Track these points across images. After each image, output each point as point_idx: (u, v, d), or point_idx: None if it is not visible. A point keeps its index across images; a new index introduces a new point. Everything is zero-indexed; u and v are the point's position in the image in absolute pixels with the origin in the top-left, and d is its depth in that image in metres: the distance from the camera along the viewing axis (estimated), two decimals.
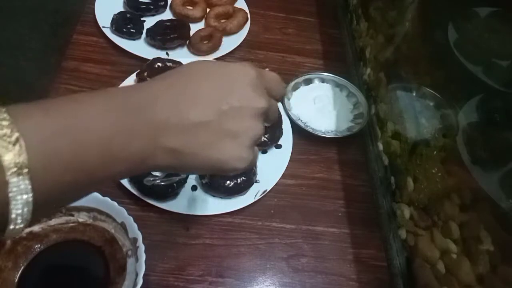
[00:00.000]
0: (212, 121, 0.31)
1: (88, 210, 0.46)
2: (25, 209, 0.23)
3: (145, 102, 0.29)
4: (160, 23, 0.76)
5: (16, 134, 0.22)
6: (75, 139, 0.25)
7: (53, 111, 0.25)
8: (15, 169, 0.22)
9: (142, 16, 0.77)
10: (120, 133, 0.27)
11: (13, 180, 0.22)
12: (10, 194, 0.22)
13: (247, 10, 0.84)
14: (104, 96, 0.28)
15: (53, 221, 0.45)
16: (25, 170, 0.22)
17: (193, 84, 0.31)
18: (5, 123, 0.22)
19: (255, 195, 0.59)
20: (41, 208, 0.24)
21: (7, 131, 0.22)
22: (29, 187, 0.23)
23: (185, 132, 0.30)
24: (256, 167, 0.61)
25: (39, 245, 0.44)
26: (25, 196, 0.23)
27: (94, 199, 0.46)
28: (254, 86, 0.32)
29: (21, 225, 0.24)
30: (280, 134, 0.66)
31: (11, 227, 0.23)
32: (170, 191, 0.55)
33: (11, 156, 0.22)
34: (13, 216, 0.23)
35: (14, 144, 0.22)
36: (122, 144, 0.27)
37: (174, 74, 0.32)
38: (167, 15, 0.80)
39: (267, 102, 0.33)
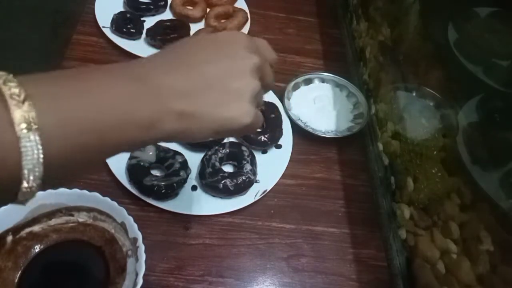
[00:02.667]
0: (214, 82, 0.32)
1: (88, 210, 0.46)
2: (37, 168, 0.24)
3: (148, 71, 0.31)
4: (160, 23, 0.76)
5: (24, 94, 0.23)
6: (83, 102, 0.26)
7: (61, 77, 0.27)
8: (25, 125, 0.23)
9: (142, 16, 0.77)
10: (127, 98, 0.28)
11: (24, 135, 0.23)
12: (22, 149, 0.23)
13: (247, 10, 0.84)
14: (107, 68, 0.30)
15: (53, 221, 0.45)
16: (35, 127, 0.23)
17: (192, 52, 0.33)
18: (13, 84, 0.24)
19: (255, 195, 0.59)
20: (52, 170, 0.25)
21: (15, 90, 0.23)
22: (39, 143, 0.24)
23: (190, 95, 0.31)
24: (256, 166, 0.61)
25: (39, 245, 0.44)
26: (36, 152, 0.24)
27: (94, 199, 0.46)
28: (246, 47, 0.35)
29: (34, 185, 0.25)
30: (280, 134, 0.66)
31: (24, 185, 0.24)
32: (170, 191, 0.55)
33: (21, 113, 0.23)
34: (25, 172, 0.24)
35: (23, 102, 0.23)
36: (130, 108, 0.28)
37: (171, 48, 0.34)
38: (167, 15, 0.80)
39: (260, 59, 0.35)
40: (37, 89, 0.24)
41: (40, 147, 0.24)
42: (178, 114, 0.30)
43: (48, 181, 0.25)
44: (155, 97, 0.30)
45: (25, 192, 0.25)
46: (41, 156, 0.24)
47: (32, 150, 0.24)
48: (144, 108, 0.29)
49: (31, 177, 0.24)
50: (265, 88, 0.37)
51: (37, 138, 0.24)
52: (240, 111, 0.33)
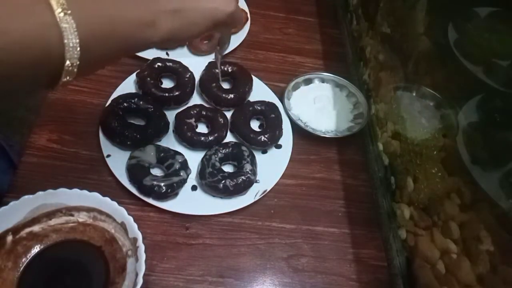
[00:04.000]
0: None
1: (88, 210, 0.46)
2: (76, 46, 0.31)
3: None
4: None
5: None
6: (97, 1, 0.34)
7: None
8: (60, 9, 0.30)
9: None
10: (129, 1, 0.36)
11: (62, 18, 0.30)
12: (63, 29, 0.30)
13: (247, 10, 0.84)
14: None
15: (53, 221, 0.45)
16: (69, 11, 0.30)
17: None
18: None
19: (255, 195, 0.59)
20: (85, 52, 0.31)
21: None
22: (74, 24, 0.30)
23: None
24: (256, 166, 0.61)
25: (39, 245, 0.44)
26: (73, 32, 0.30)
27: (94, 199, 0.46)
28: None
29: (75, 63, 0.31)
30: (280, 134, 0.66)
31: (68, 63, 0.31)
32: (170, 191, 0.55)
33: (56, 1, 0.30)
34: (68, 49, 0.30)
35: None
36: (131, 7, 0.35)
37: None
38: None
39: None
40: None
41: (75, 27, 0.30)
42: (172, 12, 0.38)
43: (83, 65, 0.32)
44: (150, 1, 0.37)
45: (68, 71, 0.31)
46: (77, 35, 0.30)
47: (70, 30, 0.30)
48: (143, 8, 0.36)
49: (73, 55, 0.31)
50: None
51: (72, 20, 0.30)
52: (222, 1, 0.41)
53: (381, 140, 0.67)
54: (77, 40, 0.30)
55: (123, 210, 0.45)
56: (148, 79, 0.65)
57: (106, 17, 0.34)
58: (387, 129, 0.66)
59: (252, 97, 0.70)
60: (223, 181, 0.57)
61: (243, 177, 0.58)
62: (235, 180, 0.57)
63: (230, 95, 0.67)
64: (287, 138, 0.67)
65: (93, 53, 0.33)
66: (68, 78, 0.32)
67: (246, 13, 0.82)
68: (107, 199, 0.46)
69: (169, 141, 0.63)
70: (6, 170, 0.61)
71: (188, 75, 0.68)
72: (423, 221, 0.54)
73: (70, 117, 0.62)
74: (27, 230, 0.44)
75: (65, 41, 0.30)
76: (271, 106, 0.68)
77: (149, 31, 0.37)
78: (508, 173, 0.44)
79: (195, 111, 0.65)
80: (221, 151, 0.61)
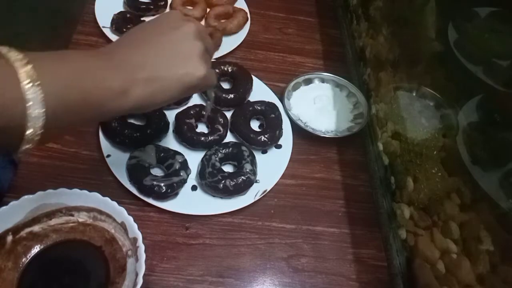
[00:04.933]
0: (166, 50, 0.41)
1: (88, 210, 0.46)
2: (40, 117, 0.30)
3: (114, 50, 0.40)
4: None
5: (27, 58, 0.30)
6: (70, 68, 0.34)
7: (50, 53, 0.34)
8: (29, 80, 0.29)
9: (142, 16, 0.77)
10: (101, 69, 0.36)
11: (29, 88, 0.29)
12: (28, 100, 0.29)
13: (247, 10, 0.84)
14: (83, 51, 0.40)
15: (53, 221, 0.45)
16: (37, 82, 0.30)
17: (146, 32, 0.42)
18: (17, 52, 0.30)
19: (255, 195, 0.59)
20: (51, 121, 0.31)
21: (19, 56, 0.30)
22: (41, 96, 0.30)
23: (149, 64, 0.39)
24: (256, 166, 0.61)
25: (39, 245, 0.44)
26: (39, 103, 0.30)
27: (94, 199, 0.46)
28: (181, 19, 0.44)
29: (37, 132, 0.30)
30: (280, 134, 0.66)
31: (29, 132, 0.30)
32: (170, 191, 0.55)
33: (25, 72, 0.30)
34: (30, 120, 0.30)
35: (26, 65, 0.30)
36: (103, 76, 0.36)
37: (131, 31, 0.43)
38: None
39: (195, 25, 0.43)
40: (35, 56, 0.31)
41: (42, 98, 0.30)
42: (144, 80, 0.38)
43: (47, 133, 0.31)
44: (122, 69, 0.37)
45: (28, 140, 0.30)
46: (43, 106, 0.30)
47: (35, 101, 0.30)
48: (115, 77, 0.36)
49: (36, 125, 0.30)
50: (208, 48, 0.46)
51: (39, 91, 0.30)
52: (192, 67, 0.41)
53: (381, 140, 0.67)
54: (42, 110, 0.30)
55: (123, 210, 0.45)
56: None
57: (79, 87, 0.34)
58: (387, 129, 0.66)
59: (252, 97, 0.70)
60: (223, 181, 0.57)
61: (243, 177, 0.58)
62: (235, 180, 0.57)
63: (230, 95, 0.67)
64: (287, 138, 0.67)
65: (61, 121, 0.33)
66: (28, 146, 0.31)
67: (246, 13, 0.82)
68: (107, 199, 0.46)
69: (169, 141, 0.63)
70: (7, 166, 0.61)
71: None
72: (423, 221, 0.54)
73: None
74: (27, 230, 0.44)
75: (28, 111, 0.29)
76: (271, 106, 0.68)
77: (121, 99, 0.37)
78: (508, 173, 0.44)
79: (195, 111, 0.65)
80: (221, 151, 0.61)
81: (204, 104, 0.67)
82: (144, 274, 0.41)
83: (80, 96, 0.34)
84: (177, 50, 0.41)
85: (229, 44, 0.77)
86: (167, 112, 0.64)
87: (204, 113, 0.64)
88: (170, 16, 0.44)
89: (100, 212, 0.46)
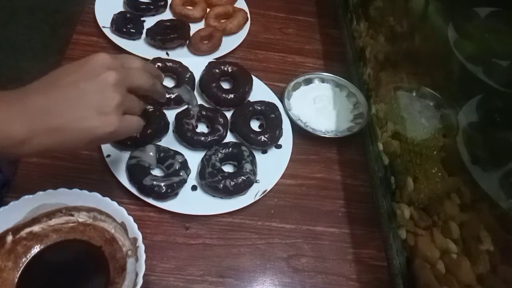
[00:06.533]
0: (77, 100, 0.38)
1: (88, 210, 0.46)
2: None
3: (23, 95, 0.37)
4: (160, 23, 0.76)
5: None
6: None
7: None
8: None
9: (142, 16, 0.77)
10: (4, 113, 0.35)
11: None
12: None
13: (247, 10, 0.84)
14: None
15: (53, 221, 0.45)
16: None
17: (61, 76, 0.40)
18: None
19: (255, 195, 0.59)
20: None
21: None
22: None
23: (57, 113, 0.37)
24: (256, 166, 0.61)
25: (39, 245, 0.44)
26: None
27: (94, 199, 0.46)
28: (102, 65, 0.40)
29: None
30: (280, 134, 0.66)
31: None
32: (170, 191, 0.55)
33: None
34: None
35: None
36: (7, 122, 0.35)
37: (51, 73, 0.40)
38: (167, 15, 0.80)
39: (118, 72, 0.40)
40: None
41: None
42: (47, 131, 0.37)
43: None
44: (26, 116, 0.36)
45: None
46: None
47: None
48: (18, 126, 0.35)
49: None
50: (137, 93, 0.43)
51: None
52: (102, 122, 0.39)
53: (381, 140, 0.67)
54: None
55: (123, 210, 0.45)
56: None
57: None
58: (387, 129, 0.66)
59: (252, 97, 0.70)
60: (223, 181, 0.57)
61: (243, 177, 0.58)
62: (235, 180, 0.57)
63: (230, 95, 0.67)
64: (287, 138, 0.67)
65: None
66: None
67: (246, 13, 0.82)
68: (107, 199, 0.46)
69: (169, 141, 0.63)
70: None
71: (188, 75, 0.68)
72: (423, 221, 0.54)
73: None
74: (27, 230, 0.44)
75: None
76: (271, 106, 0.68)
77: (22, 147, 0.36)
78: (508, 173, 0.44)
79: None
80: (221, 151, 0.61)
81: (204, 104, 0.67)
82: (144, 274, 0.41)
83: None
84: (89, 100, 0.39)
85: (229, 44, 0.77)
86: (167, 112, 0.64)
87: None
88: (95, 61, 0.40)
89: (100, 212, 0.46)
